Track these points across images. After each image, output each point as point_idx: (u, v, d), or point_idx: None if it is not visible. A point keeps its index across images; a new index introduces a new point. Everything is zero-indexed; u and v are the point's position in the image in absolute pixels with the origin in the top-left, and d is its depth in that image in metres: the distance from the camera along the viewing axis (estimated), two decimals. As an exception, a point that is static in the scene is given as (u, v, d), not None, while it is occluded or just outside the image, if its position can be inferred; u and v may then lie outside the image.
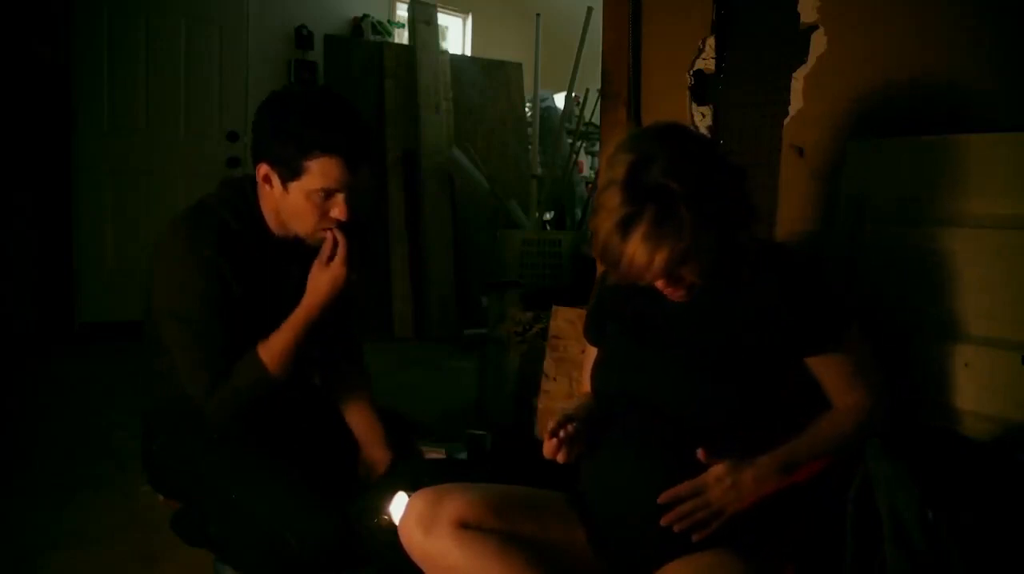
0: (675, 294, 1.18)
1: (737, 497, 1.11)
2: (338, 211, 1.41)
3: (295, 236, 1.48)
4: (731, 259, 1.17)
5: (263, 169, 1.41)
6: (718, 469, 1.12)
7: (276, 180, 1.41)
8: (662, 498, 1.11)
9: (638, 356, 1.25)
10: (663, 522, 1.10)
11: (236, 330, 1.43)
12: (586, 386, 1.39)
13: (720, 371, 1.17)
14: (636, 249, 1.06)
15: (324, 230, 1.43)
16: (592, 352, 1.39)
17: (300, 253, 1.51)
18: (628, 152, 1.09)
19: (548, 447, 1.17)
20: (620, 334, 1.30)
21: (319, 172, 1.37)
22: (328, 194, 1.40)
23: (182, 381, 1.45)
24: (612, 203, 1.07)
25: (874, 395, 1.20)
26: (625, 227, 1.06)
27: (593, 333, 1.40)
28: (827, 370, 1.20)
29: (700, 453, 1.11)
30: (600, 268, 2.20)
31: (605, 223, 1.08)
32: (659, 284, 1.16)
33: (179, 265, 1.43)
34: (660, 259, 1.06)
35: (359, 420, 1.65)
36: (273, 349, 1.43)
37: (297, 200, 1.40)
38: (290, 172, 1.39)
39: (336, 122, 1.39)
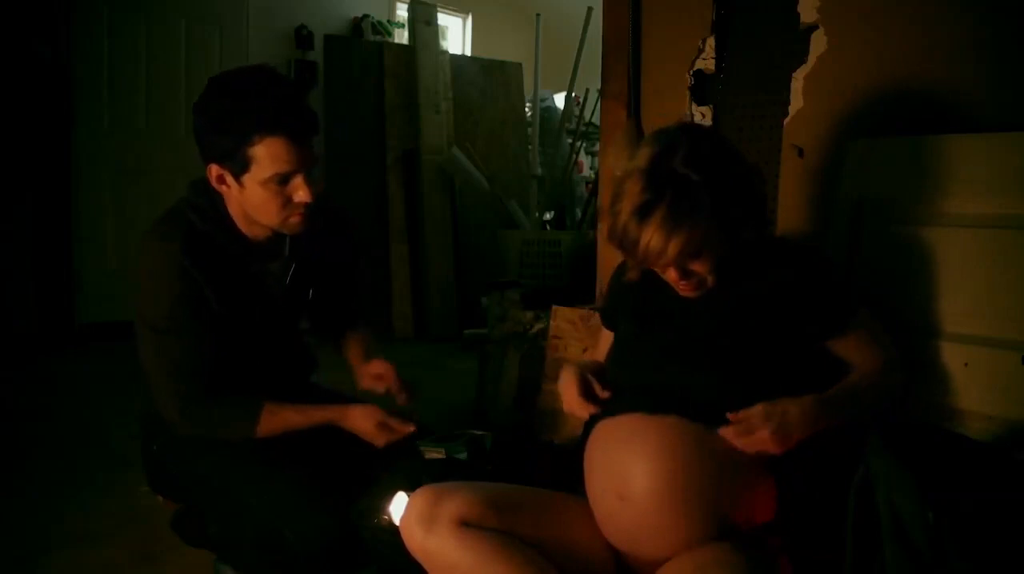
0: (686, 290, 1.21)
1: (788, 432, 1.11)
2: (301, 194, 1.35)
3: (267, 236, 1.45)
4: (742, 256, 1.21)
5: (214, 170, 1.36)
6: (760, 407, 1.12)
7: (229, 177, 1.36)
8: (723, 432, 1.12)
9: (650, 350, 1.26)
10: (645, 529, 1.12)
11: (209, 341, 1.41)
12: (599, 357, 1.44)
13: (732, 365, 1.18)
14: (652, 234, 1.10)
15: (294, 216, 1.38)
16: (608, 334, 1.44)
17: (276, 251, 1.50)
18: (652, 144, 1.15)
19: (577, 403, 1.24)
20: (633, 327, 1.32)
21: (267, 157, 1.31)
22: (284, 179, 1.34)
23: (153, 393, 1.43)
24: (633, 190, 1.12)
25: (894, 357, 1.27)
26: (643, 213, 1.11)
27: (607, 319, 1.46)
28: (845, 347, 1.25)
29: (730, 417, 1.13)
30: (600, 261, 2.21)
31: (625, 208, 1.12)
32: (671, 278, 1.20)
33: (151, 273, 1.40)
34: (675, 246, 1.10)
35: (350, 345, 1.70)
36: (278, 421, 1.43)
37: (255, 193, 1.35)
38: (238, 166, 1.33)
39: (268, 99, 1.31)
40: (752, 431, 1.10)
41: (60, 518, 1.97)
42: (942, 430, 1.26)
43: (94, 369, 3.51)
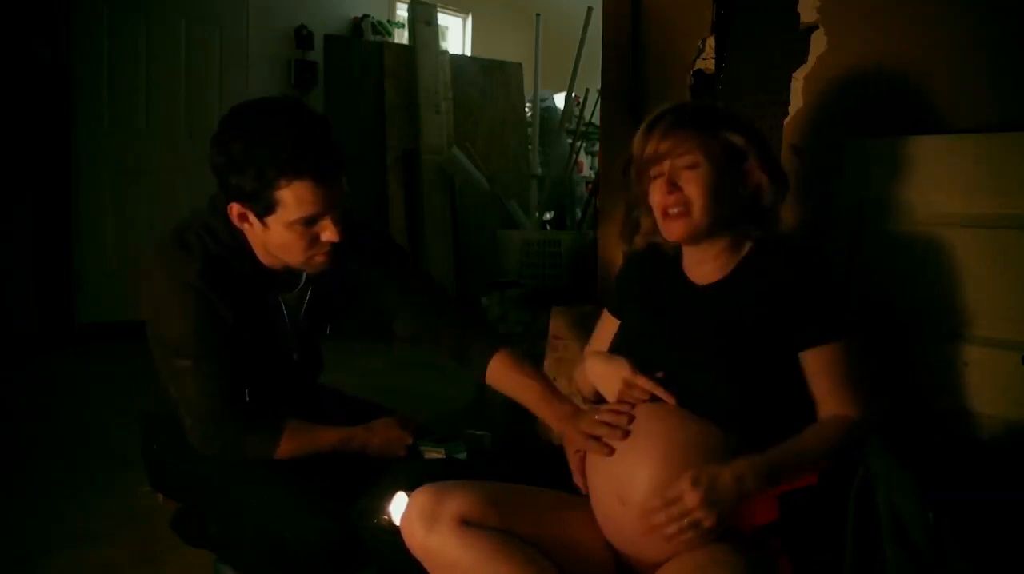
0: (672, 216, 1.22)
1: (718, 500, 1.05)
2: (329, 234, 1.30)
3: (285, 267, 1.41)
4: (748, 257, 1.24)
5: (235, 209, 1.30)
6: (688, 473, 1.07)
7: (252, 217, 1.30)
8: (642, 514, 1.09)
9: (652, 342, 1.27)
10: (643, 535, 1.10)
11: (232, 362, 1.38)
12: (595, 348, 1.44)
13: (727, 366, 1.18)
14: (657, 135, 1.21)
15: (320, 255, 1.34)
16: (608, 321, 1.44)
17: (293, 281, 1.47)
18: None
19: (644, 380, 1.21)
20: (638, 317, 1.33)
21: (293, 201, 1.25)
22: (311, 221, 1.28)
23: (179, 412, 1.40)
24: (652, 114, 1.26)
25: (860, 409, 1.16)
26: (654, 120, 1.24)
27: (615, 306, 1.45)
28: (819, 368, 1.18)
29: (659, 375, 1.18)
30: (600, 261, 2.20)
31: (641, 126, 1.25)
32: (660, 195, 1.22)
33: (168, 302, 1.35)
34: (672, 142, 1.20)
35: (507, 386, 1.47)
36: (299, 444, 1.41)
37: (280, 234, 1.30)
38: (262, 207, 1.27)
39: (294, 139, 1.24)
40: (680, 498, 1.05)
41: (60, 518, 1.97)
42: (942, 431, 1.26)
43: (94, 369, 3.51)
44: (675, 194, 1.20)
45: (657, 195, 1.23)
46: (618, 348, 1.33)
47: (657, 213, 1.24)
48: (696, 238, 1.24)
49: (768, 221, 1.26)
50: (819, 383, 1.18)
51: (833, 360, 1.17)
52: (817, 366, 1.18)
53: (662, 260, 1.34)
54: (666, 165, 1.21)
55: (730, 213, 1.23)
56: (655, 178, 1.23)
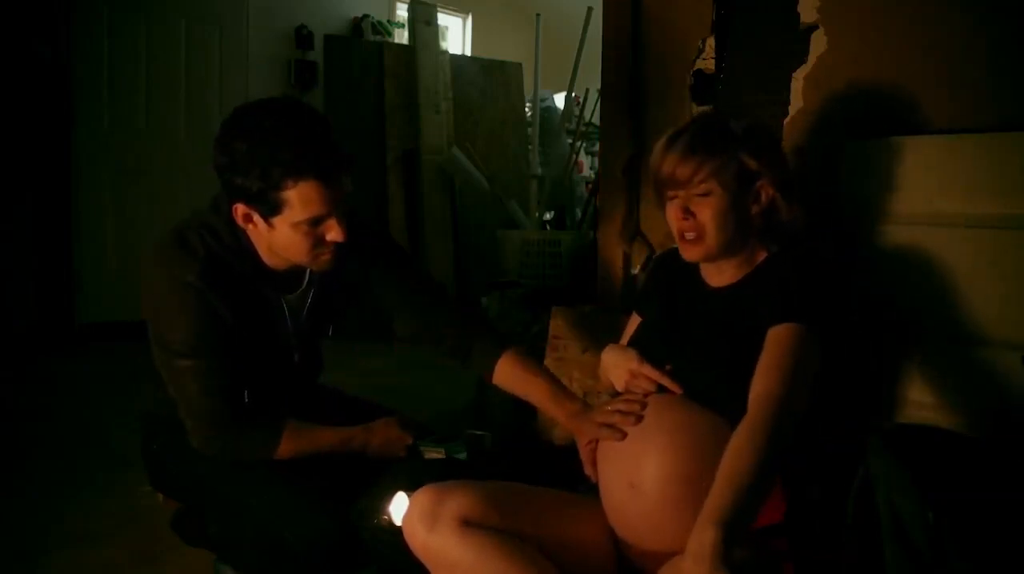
0: (688, 241, 1.24)
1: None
2: (334, 234, 1.31)
3: (288, 267, 1.42)
4: (762, 267, 1.25)
5: (240, 209, 1.31)
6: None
7: (257, 217, 1.31)
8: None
9: (659, 341, 1.29)
10: (651, 520, 1.12)
11: (232, 363, 1.38)
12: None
13: (725, 367, 1.18)
14: (673, 157, 1.22)
15: (325, 254, 1.35)
16: (634, 319, 1.46)
17: (295, 282, 1.47)
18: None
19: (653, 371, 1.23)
20: (657, 316, 1.36)
21: (299, 202, 1.26)
22: (317, 221, 1.29)
23: (180, 412, 1.40)
24: (673, 130, 1.26)
25: (788, 392, 1.09)
26: (672, 139, 1.25)
27: (638, 305, 1.48)
28: (768, 345, 1.14)
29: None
30: (600, 261, 2.21)
31: (660, 140, 1.26)
32: (675, 220, 1.25)
33: (165, 297, 1.35)
34: (687, 169, 1.20)
35: (515, 386, 1.46)
36: (299, 445, 1.41)
37: (285, 234, 1.31)
38: (268, 208, 1.28)
39: (299, 140, 1.25)
40: None
41: (60, 518, 1.97)
42: (942, 430, 1.26)
43: (94, 369, 3.51)
44: (689, 220, 1.23)
45: (673, 218, 1.26)
46: (631, 345, 1.35)
47: (674, 233, 1.28)
48: (711, 259, 1.28)
49: (784, 235, 1.28)
50: (760, 360, 1.13)
51: (780, 339, 1.14)
52: (768, 343, 1.14)
53: (682, 262, 1.36)
54: (681, 191, 1.23)
55: (745, 233, 1.26)
56: (671, 199, 1.26)
